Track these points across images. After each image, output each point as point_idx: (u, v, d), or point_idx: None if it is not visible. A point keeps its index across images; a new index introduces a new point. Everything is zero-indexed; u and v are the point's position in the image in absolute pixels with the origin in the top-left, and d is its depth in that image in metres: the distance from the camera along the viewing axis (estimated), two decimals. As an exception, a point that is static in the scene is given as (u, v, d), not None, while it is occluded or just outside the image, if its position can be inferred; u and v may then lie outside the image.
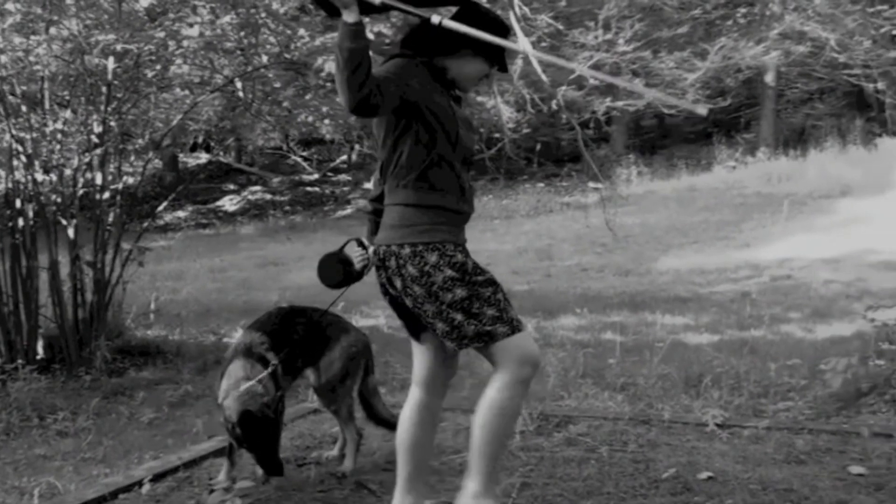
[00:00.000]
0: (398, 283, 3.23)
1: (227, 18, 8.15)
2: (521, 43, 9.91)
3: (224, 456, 4.31)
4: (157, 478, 4.36)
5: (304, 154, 28.27)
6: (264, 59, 8.67)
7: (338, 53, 2.93)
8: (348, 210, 23.91)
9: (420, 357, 3.49)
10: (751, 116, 24.35)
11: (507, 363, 3.20)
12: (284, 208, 24.72)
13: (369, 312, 9.87)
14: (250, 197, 26.22)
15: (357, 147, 26.83)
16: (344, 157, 27.94)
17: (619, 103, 16.18)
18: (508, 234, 16.82)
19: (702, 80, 17.67)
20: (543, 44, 19.54)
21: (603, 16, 15.66)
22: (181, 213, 24.48)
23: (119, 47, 7.44)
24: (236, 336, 8.59)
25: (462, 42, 3.25)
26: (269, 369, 4.01)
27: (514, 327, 3.21)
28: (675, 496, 3.86)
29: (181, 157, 27.20)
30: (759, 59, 19.09)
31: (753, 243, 14.44)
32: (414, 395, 3.50)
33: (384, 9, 3.17)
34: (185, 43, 8.06)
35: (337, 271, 3.54)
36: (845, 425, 4.88)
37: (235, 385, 3.94)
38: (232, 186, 27.21)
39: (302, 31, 8.72)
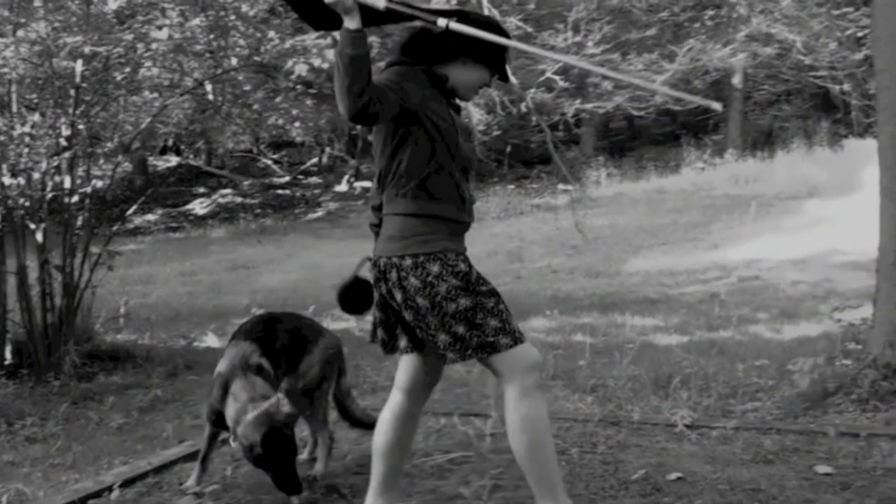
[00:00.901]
0: (399, 296, 3.19)
1: (196, 21, 8.13)
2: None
3: (195, 461, 4.31)
4: (127, 483, 4.34)
5: (275, 157, 28.21)
6: (234, 61, 8.64)
7: (338, 60, 2.90)
8: (319, 213, 23.86)
9: (407, 364, 3.46)
10: (718, 118, 24.52)
11: (511, 375, 3.19)
12: (255, 211, 24.63)
13: (340, 316, 9.85)
14: (220, 200, 26.11)
15: (328, 150, 26.82)
16: (314, 160, 27.90)
17: (589, 105, 16.30)
18: (479, 236, 16.79)
19: (670, 81, 17.81)
20: (513, 46, 19.58)
21: (572, 18, 15.77)
22: (151, 217, 24.35)
23: (87, 50, 7.40)
24: (220, 344, 8.61)
25: (463, 50, 3.24)
26: (282, 402, 3.96)
27: (517, 338, 3.19)
28: (645, 497, 3.89)
29: (151, 160, 27.04)
30: (727, 60, 19.29)
31: (722, 244, 14.55)
32: (395, 400, 3.49)
33: (388, 16, 3.12)
34: (153, 45, 8.03)
35: (359, 297, 3.46)
36: (812, 425, 4.92)
37: (243, 409, 3.90)
38: (202, 190, 27.08)
39: (272, 34, 8.72)
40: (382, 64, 3.34)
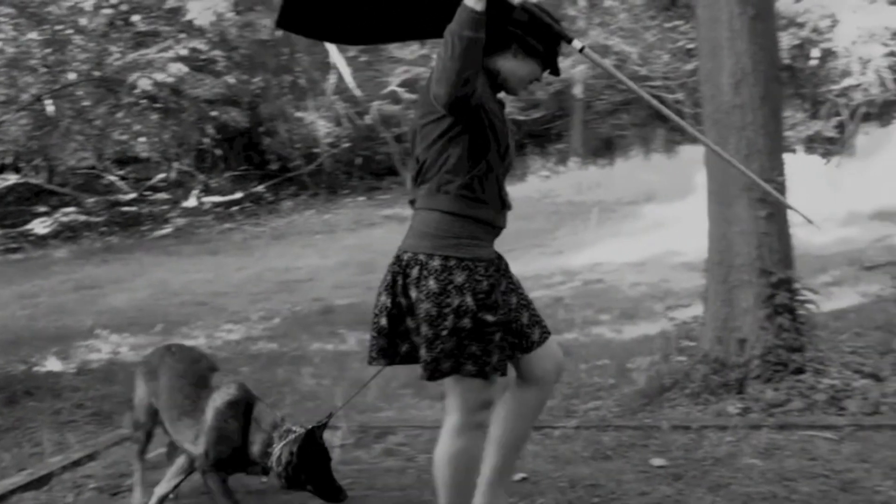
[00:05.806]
0: (413, 294, 3.04)
1: (32, 34, 7.93)
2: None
3: (35, 490, 4.21)
4: (-37, 516, 4.22)
5: (120, 173, 27.41)
6: (73, 76, 8.47)
7: (453, 41, 2.69)
8: (167, 229, 23.33)
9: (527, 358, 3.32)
10: (561, 127, 25.07)
11: (459, 404, 3.12)
12: (100, 229, 23.87)
13: (188, 333, 9.73)
14: (63, 219, 25.22)
15: (175, 165, 26.28)
16: (162, 175, 27.28)
17: (435, 117, 16.45)
18: (330, 248, 16.69)
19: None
20: (361, 59, 19.67)
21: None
22: (-13, 238, 23.36)
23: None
24: (62, 368, 8.34)
25: (515, 39, 3.09)
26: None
27: (483, 373, 3.04)
28: (491, 498, 4.01)
29: (-14, 178, 25.96)
30: (568, 71, 19.80)
31: (566, 250, 14.81)
32: (509, 393, 3.39)
33: (514, 15, 2.99)
34: (-15, 61, 7.80)
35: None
36: (648, 420, 5.15)
37: (267, 438, 3.72)
38: (43, 208, 26.08)
39: (113, 48, 8.59)
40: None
